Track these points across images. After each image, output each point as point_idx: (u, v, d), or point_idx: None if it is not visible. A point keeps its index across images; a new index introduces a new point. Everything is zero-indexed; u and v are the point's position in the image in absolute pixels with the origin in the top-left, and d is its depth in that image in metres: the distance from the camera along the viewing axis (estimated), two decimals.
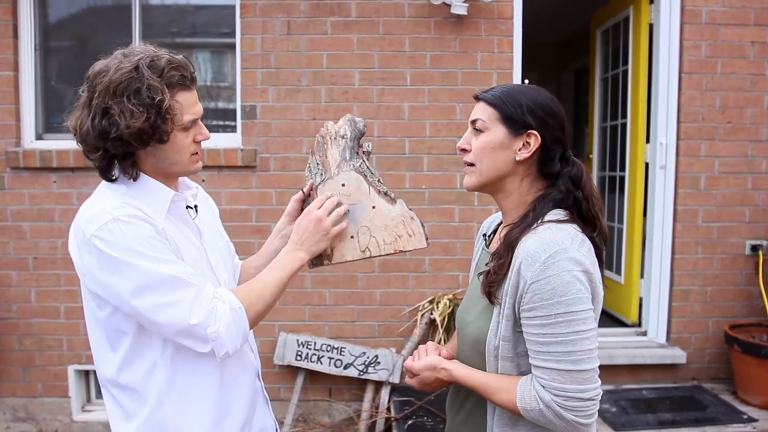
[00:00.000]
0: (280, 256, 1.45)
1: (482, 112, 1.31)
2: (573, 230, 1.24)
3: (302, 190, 1.55)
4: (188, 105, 1.32)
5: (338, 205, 1.48)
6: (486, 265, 1.32)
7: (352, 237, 1.49)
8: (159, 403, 1.35)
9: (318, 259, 1.50)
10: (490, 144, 1.30)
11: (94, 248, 1.24)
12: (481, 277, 1.31)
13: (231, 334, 1.28)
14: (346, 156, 1.49)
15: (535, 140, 1.28)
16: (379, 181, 1.49)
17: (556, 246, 1.17)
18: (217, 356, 1.28)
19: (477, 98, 1.35)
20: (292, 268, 1.43)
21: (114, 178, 1.34)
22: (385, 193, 1.49)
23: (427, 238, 1.49)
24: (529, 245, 1.20)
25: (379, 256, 1.51)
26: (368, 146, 1.54)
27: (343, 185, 1.48)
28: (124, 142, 1.26)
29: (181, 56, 1.35)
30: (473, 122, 1.33)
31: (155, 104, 1.24)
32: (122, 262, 1.23)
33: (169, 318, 1.24)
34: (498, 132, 1.29)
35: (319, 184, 1.49)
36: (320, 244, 1.46)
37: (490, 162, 1.30)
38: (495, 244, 1.36)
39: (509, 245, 1.26)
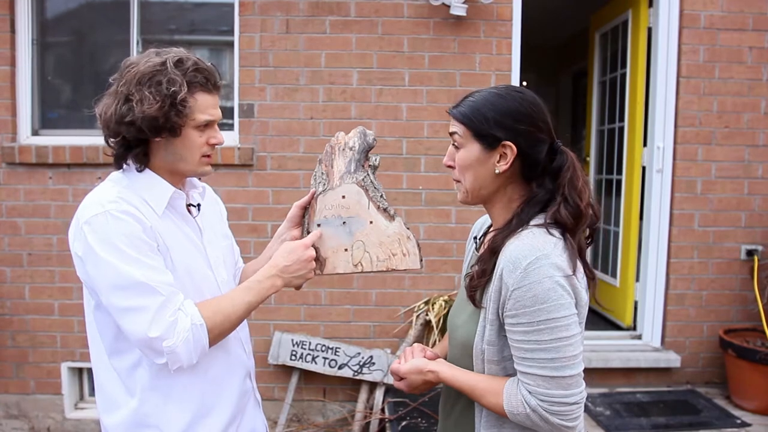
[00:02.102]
0: (260, 278, 1.42)
1: (457, 127, 1.32)
2: (557, 234, 1.23)
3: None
4: (206, 106, 1.38)
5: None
6: (470, 268, 1.32)
7: (346, 250, 1.49)
8: (142, 399, 1.38)
9: None
10: (468, 161, 1.30)
11: (83, 236, 1.29)
12: (466, 279, 1.31)
13: (187, 350, 1.29)
14: (351, 168, 1.49)
15: (510, 151, 1.27)
16: (381, 196, 1.49)
17: (538, 252, 1.17)
18: (170, 368, 1.30)
19: (450, 113, 1.34)
20: (266, 294, 1.42)
21: (125, 167, 1.40)
22: (385, 210, 1.48)
23: (421, 260, 1.50)
24: (511, 251, 1.20)
25: (371, 272, 1.51)
26: (376, 160, 1.52)
27: (344, 197, 1.48)
28: (137, 128, 1.31)
29: (210, 63, 1.41)
30: (452, 135, 1.33)
31: (170, 95, 1.30)
32: (100, 257, 1.27)
33: (131, 325, 1.27)
34: (473, 148, 1.29)
35: (320, 193, 1.49)
36: (299, 280, 1.46)
37: (472, 178, 1.31)
38: (491, 235, 1.35)
39: (493, 251, 1.26)
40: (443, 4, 3.33)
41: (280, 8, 3.42)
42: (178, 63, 1.33)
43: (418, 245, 1.49)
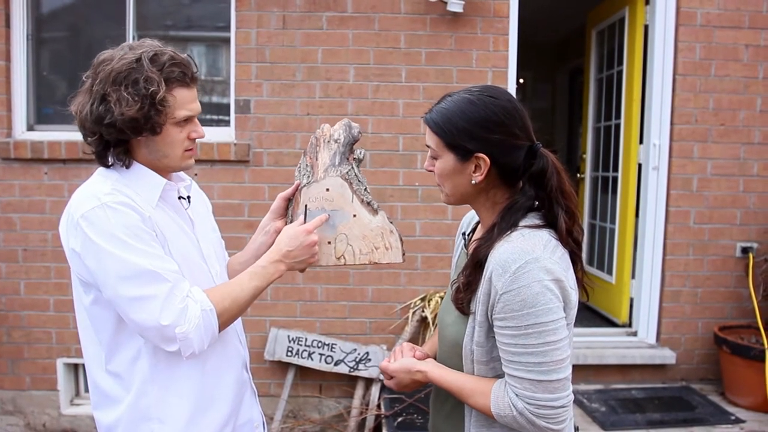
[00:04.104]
0: (264, 264, 1.43)
1: (430, 138, 1.31)
2: (547, 236, 1.23)
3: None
4: (184, 101, 1.35)
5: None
6: (457, 276, 1.32)
7: (329, 243, 1.50)
8: (142, 392, 1.37)
9: None
10: (445, 171, 1.30)
11: (80, 231, 1.27)
12: (453, 288, 1.31)
13: (199, 335, 1.29)
14: (336, 161, 1.49)
15: (484, 162, 1.25)
16: (365, 190, 1.49)
17: (527, 255, 1.17)
18: (183, 355, 1.30)
19: (423, 120, 1.33)
20: (272, 279, 1.44)
21: (110, 164, 1.38)
22: (368, 203, 1.49)
23: (403, 254, 1.50)
24: (501, 254, 1.20)
25: (353, 265, 1.52)
26: (360, 153, 1.53)
27: (327, 190, 1.49)
28: (118, 129, 1.30)
29: (186, 55, 1.38)
30: (427, 146, 1.32)
31: (149, 95, 1.27)
32: (103, 249, 1.25)
33: (141, 315, 1.26)
34: (448, 159, 1.29)
35: (304, 186, 1.50)
36: (302, 265, 1.47)
37: (451, 186, 1.31)
38: (473, 245, 1.34)
39: (477, 263, 1.25)
40: (440, 0, 3.33)
41: (277, 4, 3.41)
42: (154, 58, 1.30)
43: (401, 239, 1.50)
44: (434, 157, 1.32)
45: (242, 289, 1.39)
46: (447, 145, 1.27)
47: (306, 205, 1.49)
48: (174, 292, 1.27)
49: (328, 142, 1.51)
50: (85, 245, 1.27)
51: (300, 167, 1.52)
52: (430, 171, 1.35)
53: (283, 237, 1.45)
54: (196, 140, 1.43)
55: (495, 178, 1.29)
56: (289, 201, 1.53)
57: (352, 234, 1.49)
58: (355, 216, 1.48)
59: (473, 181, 1.27)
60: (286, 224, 1.54)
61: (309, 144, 1.53)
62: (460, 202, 1.35)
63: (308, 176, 1.50)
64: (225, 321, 1.36)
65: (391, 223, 1.50)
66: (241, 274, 1.43)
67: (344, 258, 1.50)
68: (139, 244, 1.27)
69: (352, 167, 1.49)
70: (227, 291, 1.37)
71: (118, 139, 1.32)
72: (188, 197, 1.51)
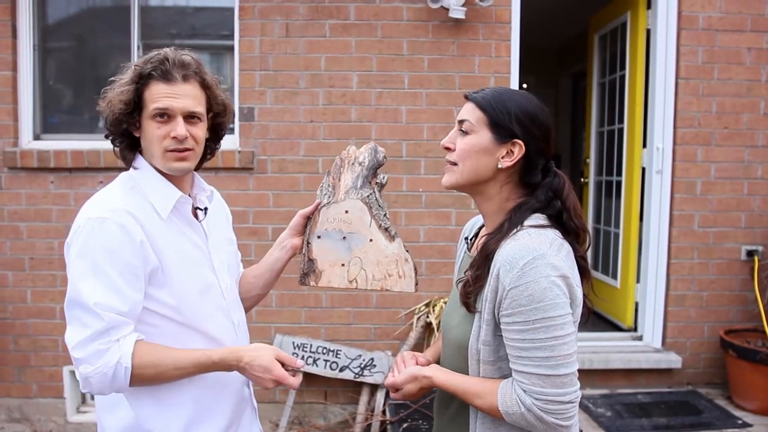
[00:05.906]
0: (217, 360, 1.33)
1: (470, 113, 1.31)
2: (552, 235, 1.25)
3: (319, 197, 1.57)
4: (158, 96, 1.35)
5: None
6: (465, 273, 1.33)
7: (342, 265, 1.50)
8: (137, 404, 1.38)
9: (305, 278, 1.52)
10: (474, 147, 1.29)
11: (74, 236, 1.32)
12: (460, 285, 1.32)
13: (101, 383, 1.27)
14: (358, 184, 1.50)
15: (519, 149, 1.28)
16: (384, 215, 1.49)
17: (534, 252, 1.18)
18: (80, 389, 1.31)
19: (467, 98, 1.34)
20: (213, 371, 1.36)
21: (133, 166, 1.42)
22: (386, 229, 1.49)
23: (416, 284, 1.49)
24: (508, 251, 1.21)
25: (365, 290, 1.51)
26: (383, 178, 1.52)
27: (347, 212, 1.49)
28: (107, 127, 1.39)
29: (184, 54, 1.39)
30: (460, 122, 1.32)
31: (126, 89, 1.35)
32: (71, 265, 1.30)
33: (66, 334, 1.30)
34: (484, 136, 1.29)
35: (324, 206, 1.50)
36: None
37: (472, 165, 1.30)
38: (476, 249, 1.36)
39: (486, 257, 1.26)
40: (442, 7, 3.34)
41: (280, 12, 3.44)
42: (145, 59, 1.36)
43: (415, 269, 1.49)
44: (466, 132, 1.31)
45: (176, 368, 1.31)
46: (491, 122, 1.29)
47: (321, 231, 1.49)
48: (107, 332, 1.25)
49: (353, 164, 1.51)
50: (68, 247, 1.33)
51: (322, 186, 1.53)
52: (447, 148, 1.34)
53: (258, 360, 1.32)
54: (182, 142, 1.36)
55: (515, 173, 1.31)
56: (308, 219, 1.54)
57: (366, 259, 1.49)
58: (371, 240, 1.48)
59: (500, 165, 1.28)
60: (303, 242, 1.53)
61: (333, 164, 1.53)
62: (468, 185, 1.33)
63: (329, 196, 1.50)
64: (136, 383, 1.30)
65: (407, 251, 1.49)
66: (194, 352, 1.34)
67: (356, 282, 1.50)
68: (109, 269, 1.27)
69: (374, 191, 1.50)
70: (160, 361, 1.30)
71: (115, 135, 1.40)
72: (205, 209, 1.50)
